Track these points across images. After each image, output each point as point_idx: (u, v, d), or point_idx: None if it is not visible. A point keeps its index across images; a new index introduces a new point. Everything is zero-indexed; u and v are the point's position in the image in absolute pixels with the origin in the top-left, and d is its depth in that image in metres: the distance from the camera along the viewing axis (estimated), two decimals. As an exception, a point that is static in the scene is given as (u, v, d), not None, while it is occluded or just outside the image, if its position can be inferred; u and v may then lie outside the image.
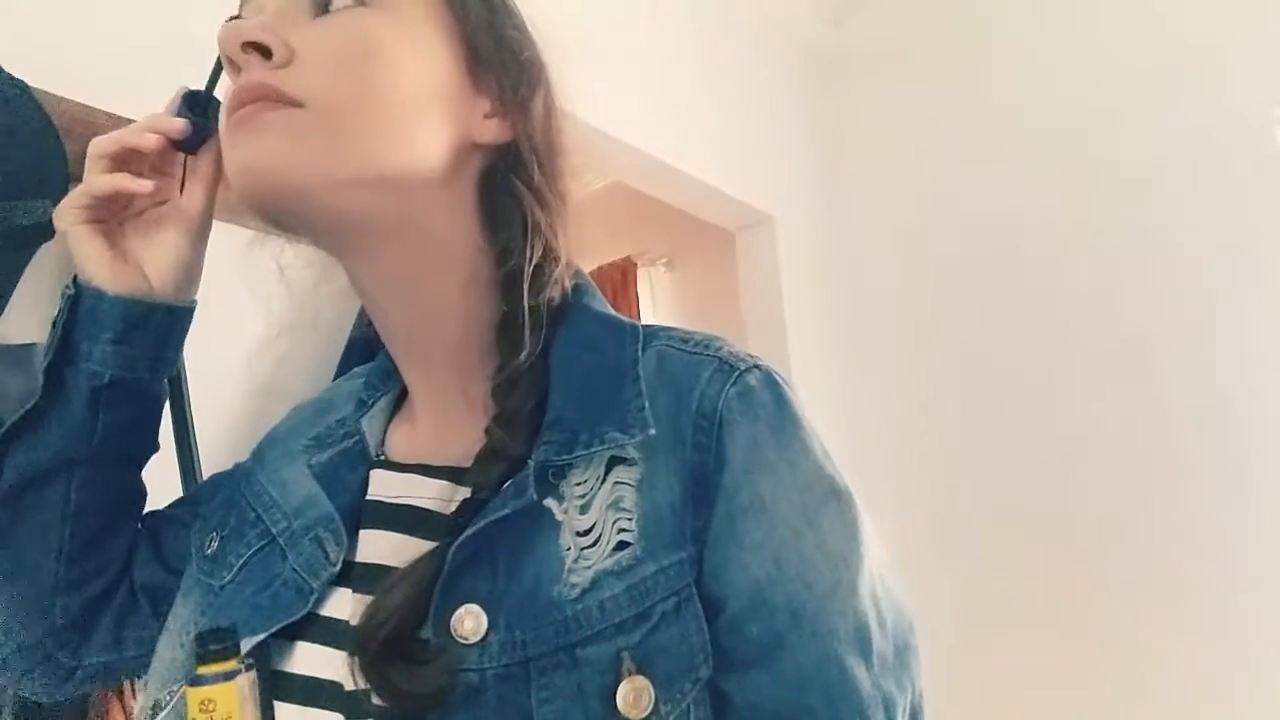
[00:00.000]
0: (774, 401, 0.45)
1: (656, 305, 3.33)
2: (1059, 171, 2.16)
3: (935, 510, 2.33)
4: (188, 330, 0.55)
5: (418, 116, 0.44)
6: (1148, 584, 1.95)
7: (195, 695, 0.35)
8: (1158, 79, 2.02)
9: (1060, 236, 2.15)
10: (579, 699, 0.38)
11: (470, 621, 0.39)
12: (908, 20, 2.46)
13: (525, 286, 0.46)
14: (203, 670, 0.36)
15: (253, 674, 0.38)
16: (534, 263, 0.47)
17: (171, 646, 0.48)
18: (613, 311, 0.52)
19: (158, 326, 0.51)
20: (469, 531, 0.40)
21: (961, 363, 2.31)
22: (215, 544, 0.51)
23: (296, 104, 0.41)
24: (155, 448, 0.57)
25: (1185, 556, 1.91)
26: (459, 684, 0.38)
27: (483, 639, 0.39)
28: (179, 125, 0.49)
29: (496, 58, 0.48)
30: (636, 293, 3.30)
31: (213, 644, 0.37)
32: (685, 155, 1.98)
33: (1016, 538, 2.17)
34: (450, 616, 0.39)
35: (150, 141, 0.49)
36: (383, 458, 0.51)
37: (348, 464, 0.50)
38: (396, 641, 0.39)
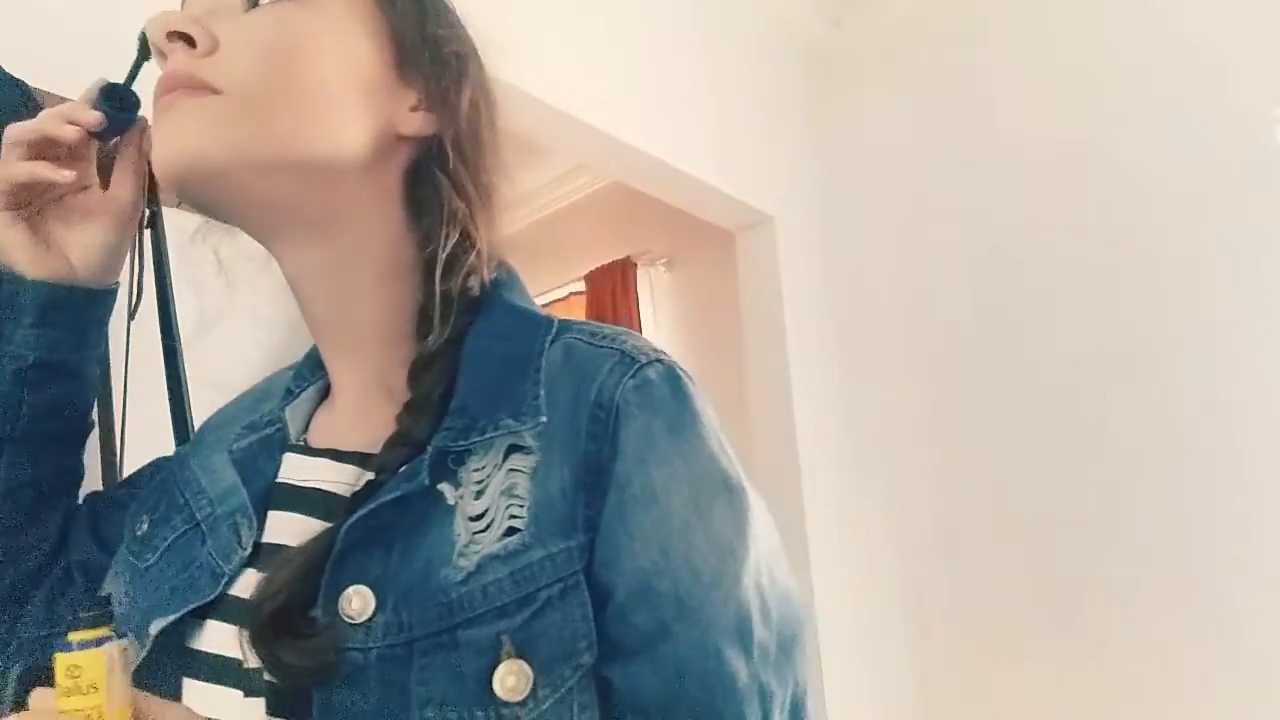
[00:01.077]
0: (672, 395, 0.45)
1: (656, 305, 3.32)
2: (1059, 171, 2.16)
3: (935, 510, 2.32)
4: (110, 312, 0.57)
5: (338, 106, 0.45)
6: (1147, 584, 1.95)
7: (62, 661, 0.35)
8: (1158, 79, 2.02)
9: (1060, 236, 2.15)
10: (456, 680, 0.39)
11: (358, 601, 0.40)
12: (908, 20, 2.46)
13: (438, 272, 0.47)
14: (72, 636, 0.36)
15: (124, 642, 0.37)
16: (449, 250, 0.48)
17: None
18: (531, 305, 0.53)
19: (78, 309, 0.53)
20: (360, 513, 0.41)
21: (960, 362, 2.31)
22: (145, 526, 0.52)
23: (215, 91, 0.43)
24: (89, 427, 0.58)
25: (1185, 557, 1.91)
26: (344, 662, 0.39)
27: (369, 619, 0.39)
28: (94, 118, 0.51)
29: (422, 53, 0.49)
30: (636, 293, 3.29)
31: (83, 611, 0.37)
32: (685, 155, 1.98)
33: (1016, 537, 2.17)
34: (339, 596, 0.40)
35: (69, 133, 0.50)
36: (302, 443, 0.52)
37: (266, 451, 0.51)
38: (284, 616, 0.39)
